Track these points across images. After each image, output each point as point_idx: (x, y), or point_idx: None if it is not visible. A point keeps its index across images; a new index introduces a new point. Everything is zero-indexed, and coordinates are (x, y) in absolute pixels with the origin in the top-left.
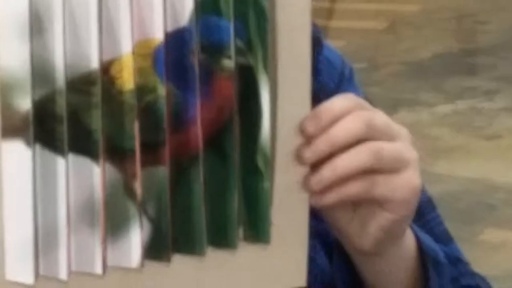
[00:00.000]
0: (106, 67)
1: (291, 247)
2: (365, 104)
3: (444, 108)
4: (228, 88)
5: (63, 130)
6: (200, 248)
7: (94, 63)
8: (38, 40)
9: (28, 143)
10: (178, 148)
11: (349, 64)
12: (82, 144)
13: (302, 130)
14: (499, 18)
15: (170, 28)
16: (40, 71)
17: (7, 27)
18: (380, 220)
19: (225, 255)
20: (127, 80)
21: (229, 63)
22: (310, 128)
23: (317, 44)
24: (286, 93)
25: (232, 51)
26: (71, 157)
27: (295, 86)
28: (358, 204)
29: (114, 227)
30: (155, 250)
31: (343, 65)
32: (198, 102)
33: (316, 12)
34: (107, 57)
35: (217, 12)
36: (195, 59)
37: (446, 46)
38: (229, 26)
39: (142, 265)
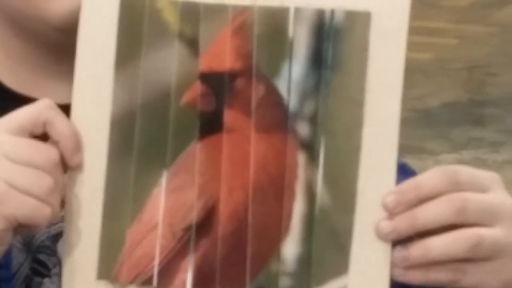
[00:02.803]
0: None
1: None
2: (463, 177)
3: (449, 157)
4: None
5: None
6: None
7: None
8: None
9: None
10: None
11: None
12: None
13: (383, 204)
14: (510, 71)
15: None
16: None
17: None
18: None
19: None
20: None
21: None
22: (391, 203)
23: None
24: (372, 158)
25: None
26: None
27: (381, 152)
28: None
29: None
30: None
31: None
32: None
33: None
34: None
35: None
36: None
37: (456, 95)
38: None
39: None
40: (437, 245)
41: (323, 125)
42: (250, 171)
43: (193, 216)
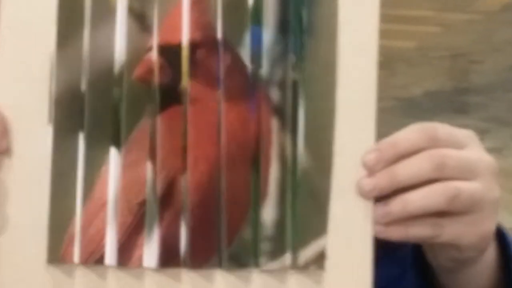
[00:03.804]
0: None
1: (355, 282)
2: (441, 133)
3: None
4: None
5: None
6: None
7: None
8: None
9: None
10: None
11: None
12: None
13: (363, 162)
14: (493, 59)
15: None
16: None
17: None
18: (448, 254)
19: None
20: None
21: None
22: (370, 161)
23: None
24: (348, 119)
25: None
26: None
27: (358, 113)
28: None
29: None
30: None
31: None
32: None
33: None
34: None
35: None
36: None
37: (439, 83)
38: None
39: None
40: (416, 198)
41: (296, 89)
42: (222, 140)
43: (150, 191)
